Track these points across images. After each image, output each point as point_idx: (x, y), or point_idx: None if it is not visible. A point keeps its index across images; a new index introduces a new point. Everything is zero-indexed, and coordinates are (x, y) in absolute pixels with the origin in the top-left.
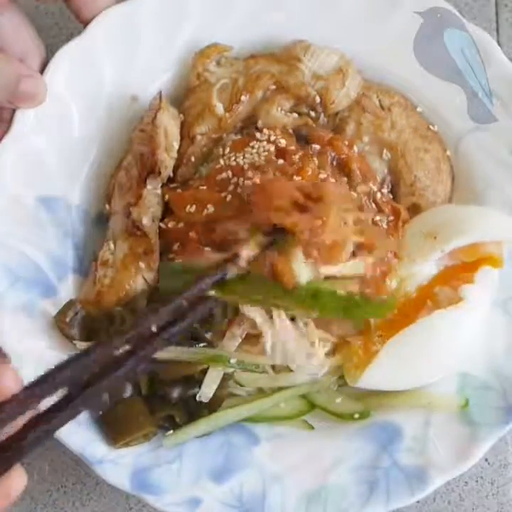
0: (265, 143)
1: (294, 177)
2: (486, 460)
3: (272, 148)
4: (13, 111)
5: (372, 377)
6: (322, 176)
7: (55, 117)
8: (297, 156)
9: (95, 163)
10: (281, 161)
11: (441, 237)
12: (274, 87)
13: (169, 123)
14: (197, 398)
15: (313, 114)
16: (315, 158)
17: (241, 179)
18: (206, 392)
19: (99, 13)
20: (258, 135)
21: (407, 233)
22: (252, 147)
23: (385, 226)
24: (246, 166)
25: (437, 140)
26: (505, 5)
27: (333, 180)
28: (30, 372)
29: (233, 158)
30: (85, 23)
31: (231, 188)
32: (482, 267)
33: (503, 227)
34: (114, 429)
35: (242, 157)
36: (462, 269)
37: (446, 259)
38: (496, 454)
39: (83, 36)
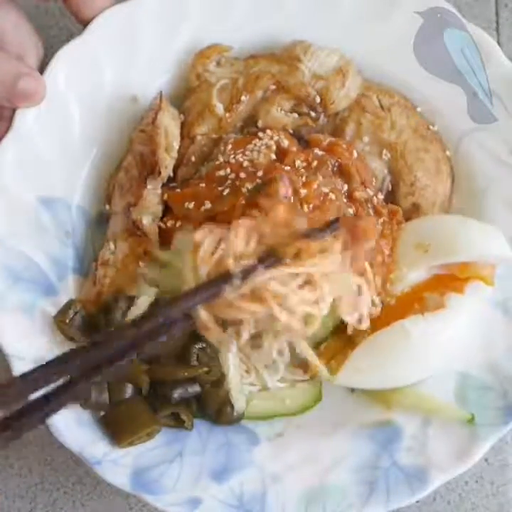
0: (267, 140)
1: (301, 190)
2: (486, 460)
3: (274, 146)
4: (14, 110)
5: (347, 375)
6: (324, 189)
7: (55, 117)
8: (300, 162)
9: (95, 163)
10: (287, 168)
11: (432, 252)
12: (274, 87)
13: (169, 123)
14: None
15: (313, 114)
16: (319, 174)
17: (241, 173)
18: (239, 406)
19: (98, 14)
20: (260, 134)
21: (399, 240)
22: (254, 145)
23: (380, 227)
24: (245, 163)
25: (437, 140)
26: (505, 5)
27: (333, 195)
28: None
29: (233, 156)
30: (85, 24)
31: (228, 183)
32: (472, 281)
33: (496, 248)
34: (118, 429)
35: (241, 155)
36: (453, 279)
37: (437, 269)
38: (495, 454)
39: (83, 36)
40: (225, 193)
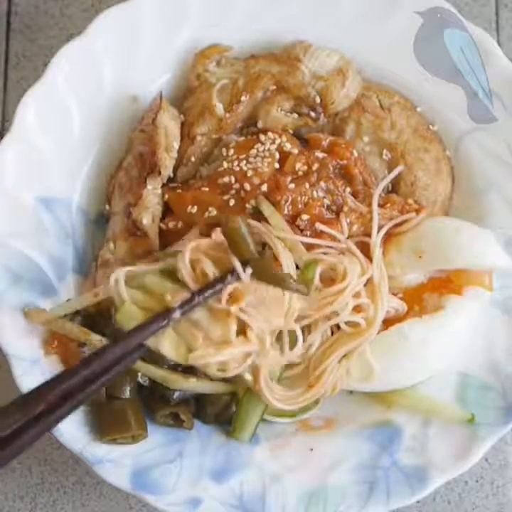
0: (269, 144)
1: (302, 215)
2: (486, 460)
3: (277, 155)
4: (14, 110)
5: (346, 378)
6: (326, 201)
7: (55, 117)
8: (301, 165)
9: (95, 163)
10: (291, 185)
11: (426, 258)
12: (274, 87)
13: (169, 123)
14: None
15: (313, 114)
16: (321, 183)
17: (245, 184)
18: None
19: None
20: (262, 138)
21: (395, 241)
22: (257, 150)
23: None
24: (249, 173)
25: (437, 140)
26: (505, 5)
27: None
28: (28, 370)
29: (237, 162)
30: None
31: (233, 192)
32: (470, 286)
33: (490, 258)
34: (105, 423)
35: (245, 162)
36: (451, 281)
37: (435, 272)
38: (496, 454)
39: (83, 36)
40: (231, 204)
